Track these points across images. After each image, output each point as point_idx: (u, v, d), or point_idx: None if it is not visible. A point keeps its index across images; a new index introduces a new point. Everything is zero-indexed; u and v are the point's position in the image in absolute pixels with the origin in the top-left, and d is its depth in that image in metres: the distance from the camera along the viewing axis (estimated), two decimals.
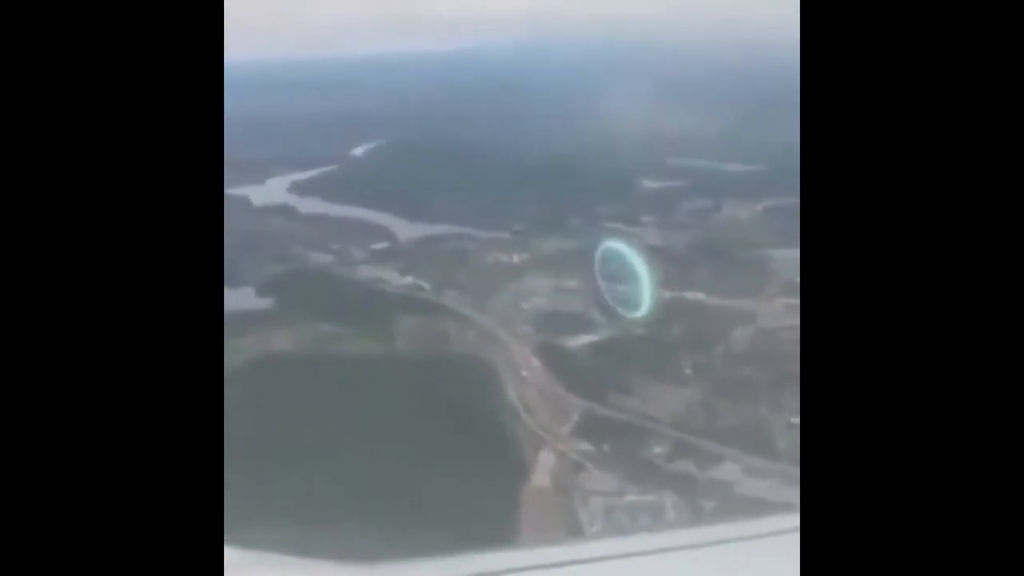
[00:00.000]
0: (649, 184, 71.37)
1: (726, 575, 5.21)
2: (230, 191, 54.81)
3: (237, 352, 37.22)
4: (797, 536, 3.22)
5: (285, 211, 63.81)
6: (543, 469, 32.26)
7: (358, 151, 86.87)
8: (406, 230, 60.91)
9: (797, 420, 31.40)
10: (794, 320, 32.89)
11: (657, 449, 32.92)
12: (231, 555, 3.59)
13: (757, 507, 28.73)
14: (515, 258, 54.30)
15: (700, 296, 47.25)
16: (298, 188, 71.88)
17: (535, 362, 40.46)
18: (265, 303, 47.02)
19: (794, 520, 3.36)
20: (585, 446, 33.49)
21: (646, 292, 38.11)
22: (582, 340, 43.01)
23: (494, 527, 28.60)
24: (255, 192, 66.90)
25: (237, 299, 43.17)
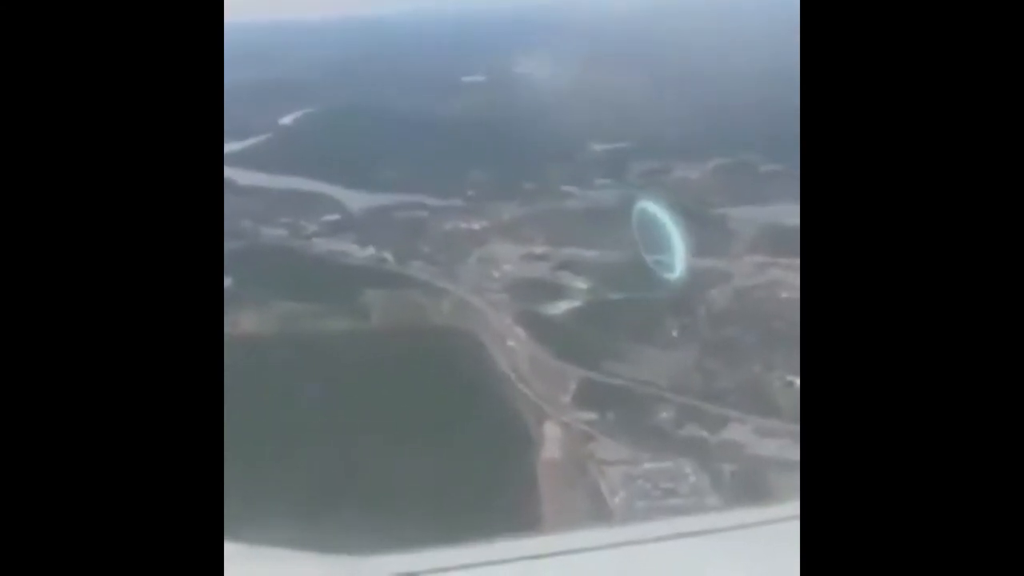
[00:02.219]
0: (595, 146, 70.71)
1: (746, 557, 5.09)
2: None
3: None
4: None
5: (225, 184, 60.80)
6: (551, 441, 31.55)
7: (287, 120, 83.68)
8: (354, 200, 59.05)
9: (792, 379, 31.50)
10: (767, 278, 32.85)
11: (663, 414, 32.59)
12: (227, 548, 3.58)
13: (774, 467, 28.85)
14: (475, 225, 53.14)
15: None
16: (233, 160, 68.37)
17: (520, 331, 39.60)
18: (223, 282, 44.67)
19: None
20: (589, 415, 32.90)
21: (679, 252, 37.58)
22: (561, 307, 42.37)
23: (516, 503, 27.88)
24: None
25: None
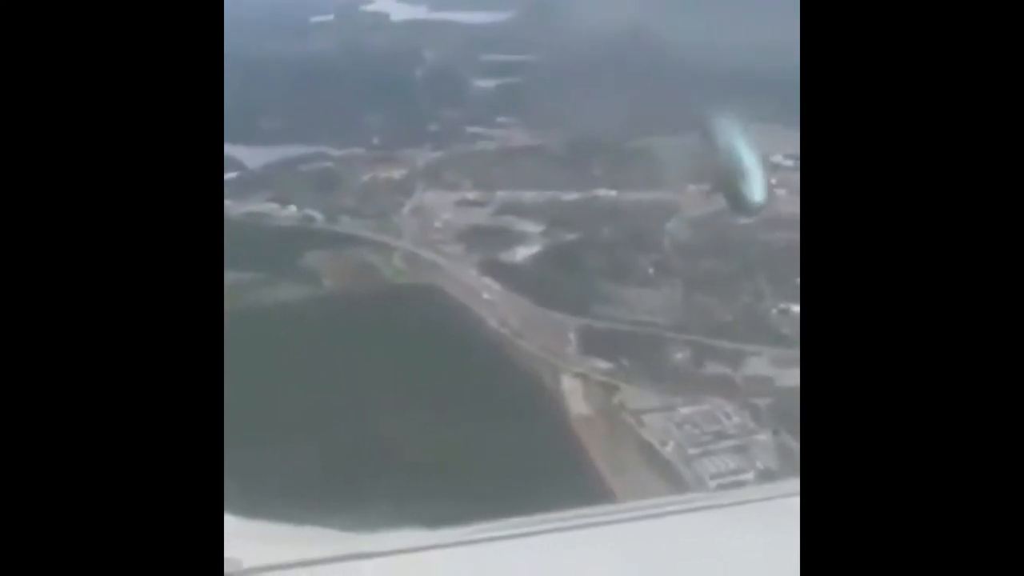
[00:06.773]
0: (481, 83, 67.79)
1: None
2: None
3: None
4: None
5: None
6: (575, 397, 29.85)
7: None
8: (248, 155, 53.55)
9: (785, 306, 31.07)
10: (717, 207, 32.03)
11: (678, 355, 31.60)
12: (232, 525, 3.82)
13: None
14: (395, 174, 49.77)
15: (611, 193, 45.95)
16: None
17: (490, 282, 37.36)
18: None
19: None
20: (603, 364, 31.41)
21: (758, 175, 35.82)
22: (521, 253, 40.37)
23: (567, 467, 26.21)
24: None
25: None
